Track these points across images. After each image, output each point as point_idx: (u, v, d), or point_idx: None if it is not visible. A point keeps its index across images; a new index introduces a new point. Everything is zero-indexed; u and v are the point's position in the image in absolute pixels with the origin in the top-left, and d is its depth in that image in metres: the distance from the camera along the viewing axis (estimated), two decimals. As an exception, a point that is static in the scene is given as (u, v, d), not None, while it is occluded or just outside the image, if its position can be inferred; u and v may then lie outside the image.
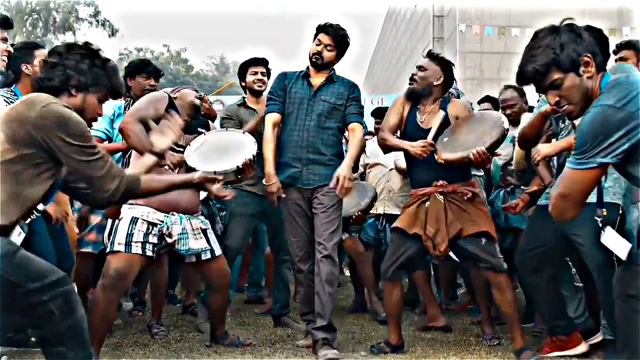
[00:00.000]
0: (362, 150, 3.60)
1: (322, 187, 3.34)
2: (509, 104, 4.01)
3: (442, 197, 3.23)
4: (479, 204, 3.29)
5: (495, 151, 3.26)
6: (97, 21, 24.02)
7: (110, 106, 3.87)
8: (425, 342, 3.47)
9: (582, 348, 3.11)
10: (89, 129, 2.19)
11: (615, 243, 2.33)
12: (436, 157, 3.16)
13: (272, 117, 3.45)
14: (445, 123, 3.31)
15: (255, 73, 4.07)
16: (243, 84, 4.15)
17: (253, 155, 3.12)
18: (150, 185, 2.31)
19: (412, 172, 3.49)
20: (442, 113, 3.33)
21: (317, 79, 3.46)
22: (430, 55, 3.50)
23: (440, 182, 3.23)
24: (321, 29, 3.46)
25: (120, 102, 3.91)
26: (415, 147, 3.24)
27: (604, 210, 2.78)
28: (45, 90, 2.20)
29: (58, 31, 22.80)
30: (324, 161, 3.38)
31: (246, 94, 4.14)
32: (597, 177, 1.88)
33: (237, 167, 3.03)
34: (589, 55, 1.93)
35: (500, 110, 4.13)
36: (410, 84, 3.47)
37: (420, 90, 3.41)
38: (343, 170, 3.22)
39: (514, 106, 3.99)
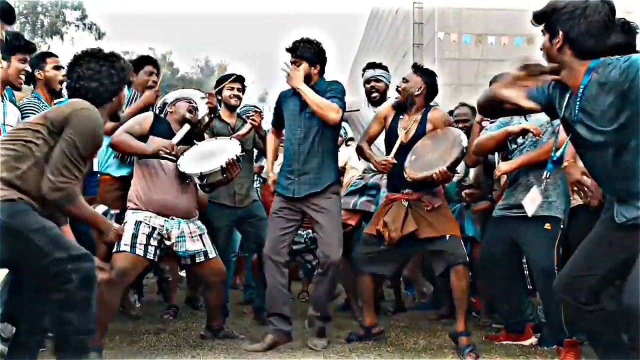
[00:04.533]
0: (320, 101, 3.47)
1: (314, 198, 3.51)
2: (462, 119, 4.32)
3: (406, 202, 3.47)
4: (441, 209, 3.49)
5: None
6: (84, 24, 24.17)
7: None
8: (400, 329, 3.97)
9: (531, 340, 3.55)
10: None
11: (531, 200, 2.99)
12: (405, 175, 3.41)
13: (271, 129, 3.92)
14: (421, 131, 3.54)
15: (232, 89, 4.25)
16: (219, 97, 4.25)
17: (237, 156, 3.39)
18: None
19: (388, 178, 3.72)
20: (402, 134, 3.56)
21: None
22: (414, 66, 3.70)
23: (407, 190, 3.49)
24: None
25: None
26: (378, 162, 3.53)
27: (549, 224, 3.34)
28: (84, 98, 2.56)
29: (46, 35, 22.97)
30: (314, 170, 3.53)
31: (220, 106, 4.27)
32: None
33: (221, 166, 3.32)
34: (564, 33, 2.16)
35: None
36: (396, 97, 3.71)
37: (403, 101, 3.63)
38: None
39: (467, 121, 4.26)
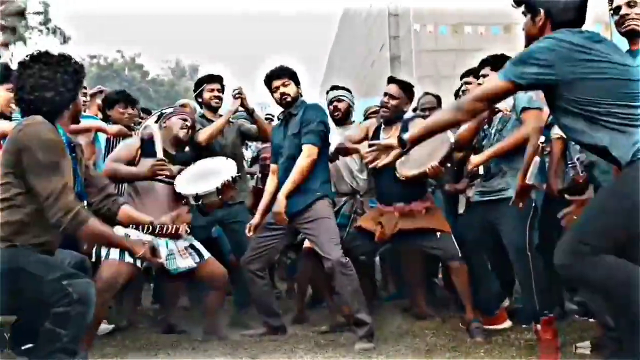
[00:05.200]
0: (303, 174, 3.70)
1: (299, 214, 3.71)
2: (428, 107, 4.67)
3: (397, 214, 3.73)
4: (433, 210, 3.78)
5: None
6: (48, 29, 23.95)
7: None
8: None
9: (507, 324, 3.77)
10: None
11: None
12: (397, 174, 3.63)
13: (272, 168, 4.05)
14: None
15: (212, 90, 4.50)
16: (199, 99, 4.57)
17: (232, 177, 3.55)
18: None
19: (377, 186, 4.00)
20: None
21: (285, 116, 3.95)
22: (395, 81, 3.93)
23: (399, 204, 3.75)
24: (272, 76, 3.92)
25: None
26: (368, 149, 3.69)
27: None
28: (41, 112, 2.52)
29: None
30: (296, 192, 3.70)
31: (201, 108, 4.59)
32: (503, 89, 2.32)
33: (217, 188, 3.46)
34: (545, 10, 2.35)
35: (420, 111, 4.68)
36: (384, 111, 3.92)
37: (393, 117, 3.89)
38: (276, 204, 3.65)
39: (433, 109, 4.56)
